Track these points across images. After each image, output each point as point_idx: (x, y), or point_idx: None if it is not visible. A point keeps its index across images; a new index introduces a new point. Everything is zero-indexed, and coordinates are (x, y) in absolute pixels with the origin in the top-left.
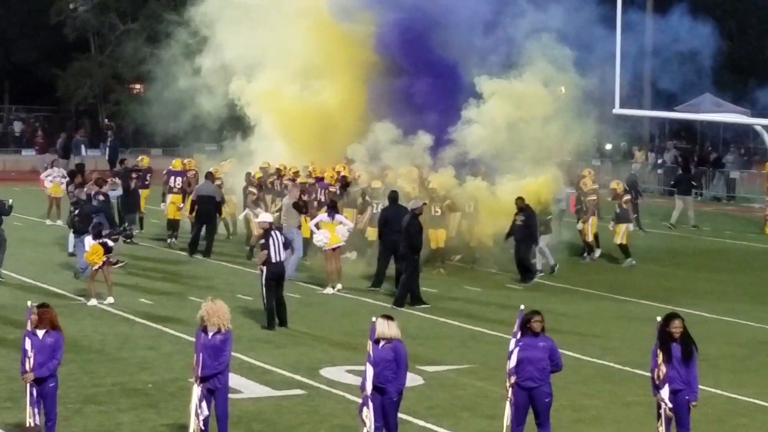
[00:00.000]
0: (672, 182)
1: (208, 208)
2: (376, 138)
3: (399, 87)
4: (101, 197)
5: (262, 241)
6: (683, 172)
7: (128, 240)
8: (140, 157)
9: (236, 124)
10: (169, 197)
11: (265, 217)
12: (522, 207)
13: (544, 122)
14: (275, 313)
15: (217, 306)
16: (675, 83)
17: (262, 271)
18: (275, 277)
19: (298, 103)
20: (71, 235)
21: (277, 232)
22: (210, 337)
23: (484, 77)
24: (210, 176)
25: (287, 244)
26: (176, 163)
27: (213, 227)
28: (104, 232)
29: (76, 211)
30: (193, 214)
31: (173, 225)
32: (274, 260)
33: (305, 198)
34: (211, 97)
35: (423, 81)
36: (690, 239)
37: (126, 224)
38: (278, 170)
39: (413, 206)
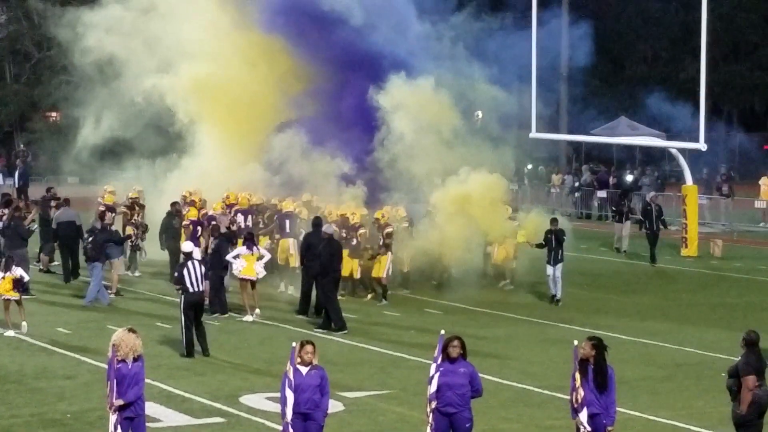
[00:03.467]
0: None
1: (68, 233)
2: (281, 148)
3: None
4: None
5: (177, 273)
6: (620, 199)
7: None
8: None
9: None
10: None
11: (186, 246)
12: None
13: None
14: (194, 341)
15: (130, 335)
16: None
17: (180, 300)
18: (193, 306)
19: (225, 91)
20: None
21: (196, 262)
22: (130, 366)
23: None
24: (67, 202)
25: (207, 275)
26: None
27: (74, 252)
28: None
29: (90, 239)
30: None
31: None
32: (191, 290)
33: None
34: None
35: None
36: (607, 262)
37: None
38: (183, 197)
39: (326, 230)
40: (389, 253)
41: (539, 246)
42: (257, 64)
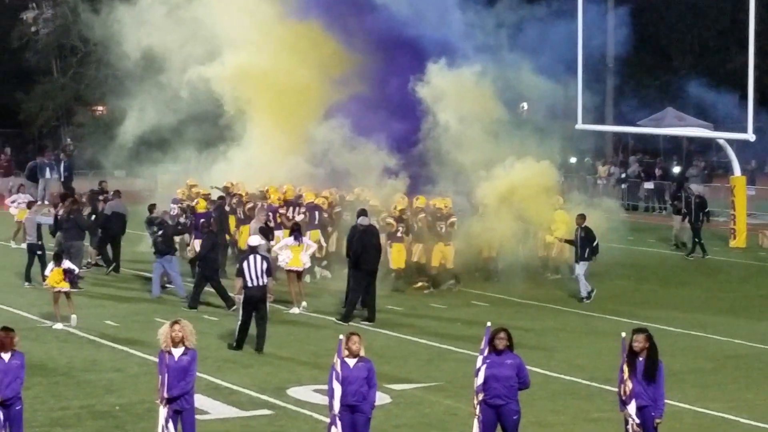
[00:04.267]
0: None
1: (115, 226)
2: (324, 139)
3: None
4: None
5: (238, 266)
6: (677, 191)
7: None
8: (196, 201)
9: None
10: None
11: (251, 240)
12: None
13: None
14: (246, 334)
15: (166, 326)
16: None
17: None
18: (251, 300)
19: (270, 79)
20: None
21: (258, 256)
22: (177, 358)
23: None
24: (118, 194)
25: (269, 270)
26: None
27: (118, 244)
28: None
29: (160, 232)
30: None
31: None
32: (250, 284)
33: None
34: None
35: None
36: (654, 253)
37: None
38: (226, 188)
39: (361, 222)
40: (451, 242)
41: (569, 242)
42: (300, 51)
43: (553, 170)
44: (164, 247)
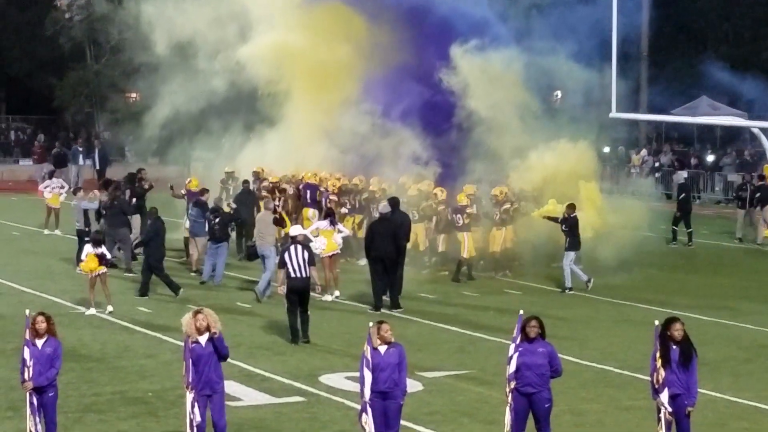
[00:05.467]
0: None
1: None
2: (351, 126)
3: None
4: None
5: (280, 257)
6: (743, 183)
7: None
8: (188, 179)
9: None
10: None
11: (293, 230)
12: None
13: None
14: (297, 326)
15: (188, 315)
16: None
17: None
18: (295, 291)
19: (305, 61)
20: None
21: (300, 246)
22: (204, 345)
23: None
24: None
25: (311, 260)
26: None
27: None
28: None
29: (216, 219)
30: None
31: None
32: (293, 275)
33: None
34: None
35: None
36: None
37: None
38: (256, 173)
39: (382, 210)
40: (504, 228)
41: (550, 219)
42: (330, 31)
43: (591, 153)
44: (221, 234)
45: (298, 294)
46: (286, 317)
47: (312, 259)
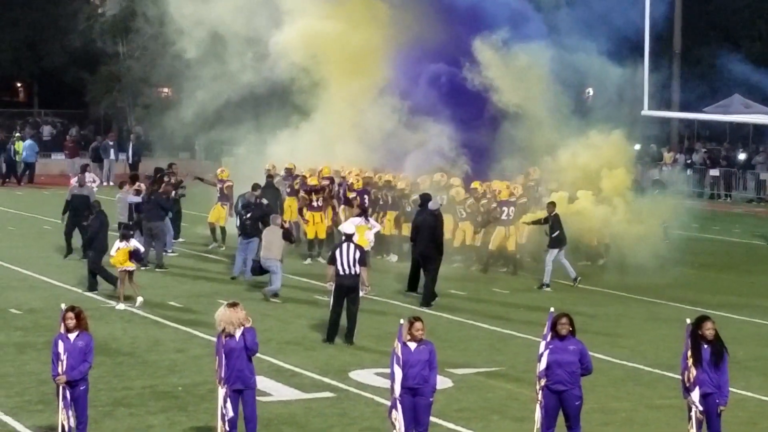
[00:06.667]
0: None
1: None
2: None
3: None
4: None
5: (331, 253)
6: None
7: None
8: (220, 169)
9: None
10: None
11: (346, 227)
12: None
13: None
14: (337, 325)
15: (226, 310)
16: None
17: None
18: (342, 289)
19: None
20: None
21: (352, 244)
22: (237, 338)
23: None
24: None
25: (362, 259)
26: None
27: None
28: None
29: (248, 215)
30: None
31: (214, 230)
32: (341, 272)
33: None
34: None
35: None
36: (720, 241)
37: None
38: (288, 170)
39: (432, 207)
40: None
41: (535, 223)
42: (360, 21)
43: (625, 143)
44: (252, 230)
45: (346, 292)
46: (327, 314)
47: (363, 259)
